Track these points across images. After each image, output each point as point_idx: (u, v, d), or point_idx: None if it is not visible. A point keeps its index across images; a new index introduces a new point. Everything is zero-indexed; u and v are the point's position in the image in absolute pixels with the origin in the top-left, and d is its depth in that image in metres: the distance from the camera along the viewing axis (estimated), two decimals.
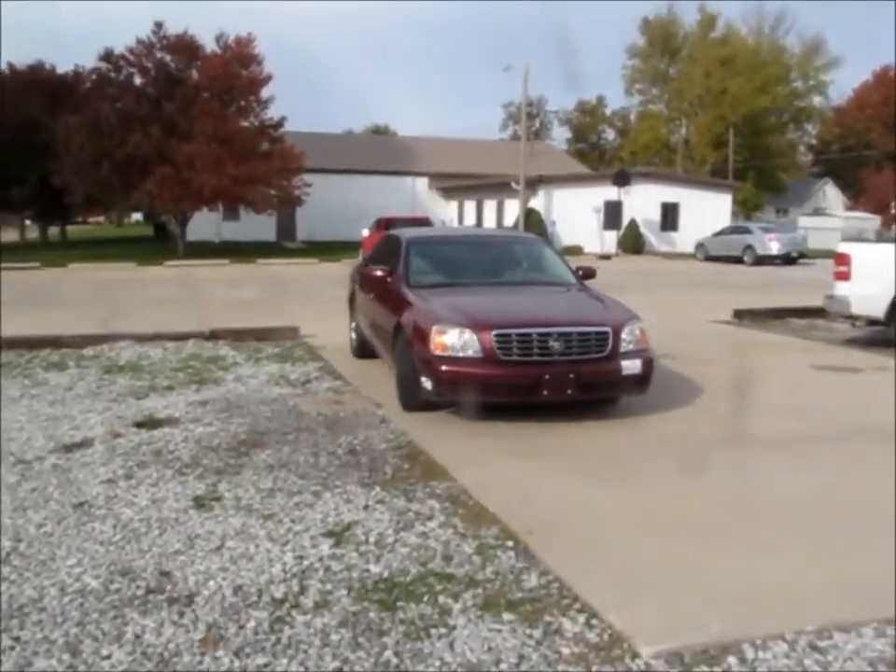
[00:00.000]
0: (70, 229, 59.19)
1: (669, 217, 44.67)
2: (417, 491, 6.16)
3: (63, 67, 52.97)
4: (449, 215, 52.02)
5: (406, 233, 10.91)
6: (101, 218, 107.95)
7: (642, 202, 42.81)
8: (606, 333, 8.18)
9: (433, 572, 4.86)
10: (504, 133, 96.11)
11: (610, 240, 41.63)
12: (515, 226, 39.66)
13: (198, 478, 6.44)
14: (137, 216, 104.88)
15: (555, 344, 8.00)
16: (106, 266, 32.67)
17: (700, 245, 39.29)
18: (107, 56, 37.57)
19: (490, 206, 47.33)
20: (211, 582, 4.74)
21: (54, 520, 5.61)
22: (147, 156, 34.42)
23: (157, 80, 36.76)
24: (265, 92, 38.19)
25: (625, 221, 41.98)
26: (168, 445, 7.31)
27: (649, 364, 8.32)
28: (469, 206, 49.98)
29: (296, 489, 6.18)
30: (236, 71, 37.13)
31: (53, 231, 53.89)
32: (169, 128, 35.24)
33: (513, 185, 41.27)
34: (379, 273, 9.96)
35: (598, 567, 4.93)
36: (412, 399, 8.48)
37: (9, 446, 7.28)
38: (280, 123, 38.64)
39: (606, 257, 38.80)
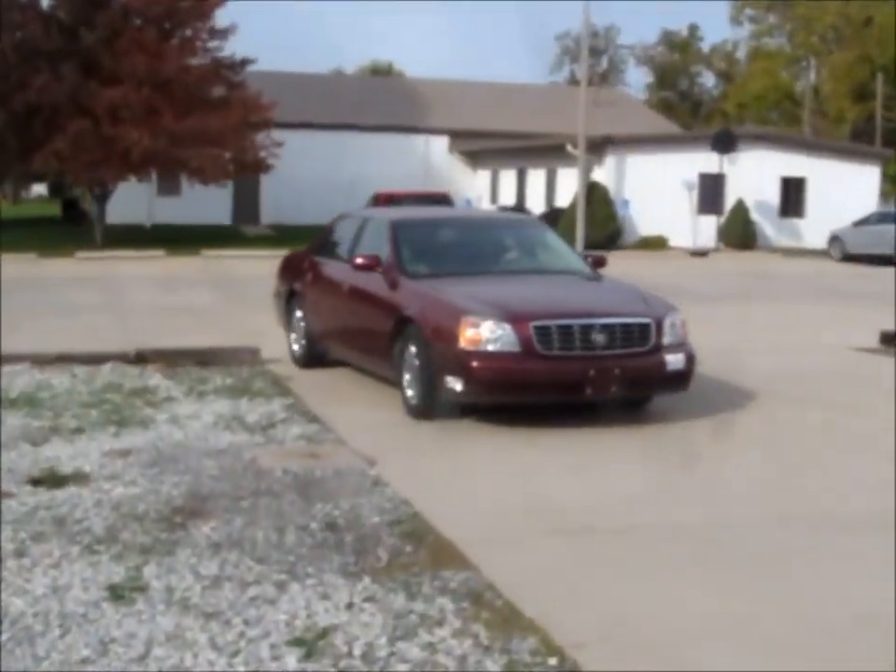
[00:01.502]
0: None
1: (793, 197, 44.71)
2: (423, 584, 6.17)
3: None
4: (477, 189, 52.16)
5: (385, 215, 12.71)
6: None
7: (754, 176, 42.85)
8: (649, 325, 10.14)
9: None
10: (557, 75, 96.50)
11: (708, 229, 41.64)
12: (572, 205, 39.76)
13: (115, 558, 6.47)
14: (40, 188, 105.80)
15: (599, 337, 9.84)
16: None
17: (835, 239, 39.26)
18: None
19: (536, 178, 47.47)
20: None
21: None
22: (57, 105, 34.84)
23: (72, 1, 37.17)
24: (221, 19, 38.69)
25: (729, 203, 41.99)
26: (75, 511, 7.33)
27: (691, 359, 10.38)
28: (507, 177, 50.15)
29: (251, 578, 6.20)
30: None
31: None
32: (87, 67, 35.68)
33: (570, 148, 41.36)
34: (360, 261, 11.42)
35: None
36: (428, 406, 10.14)
37: None
38: (241, 62, 38.95)
39: (701, 253, 38.84)
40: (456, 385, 9.78)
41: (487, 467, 8.95)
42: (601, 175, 42.28)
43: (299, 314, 13.34)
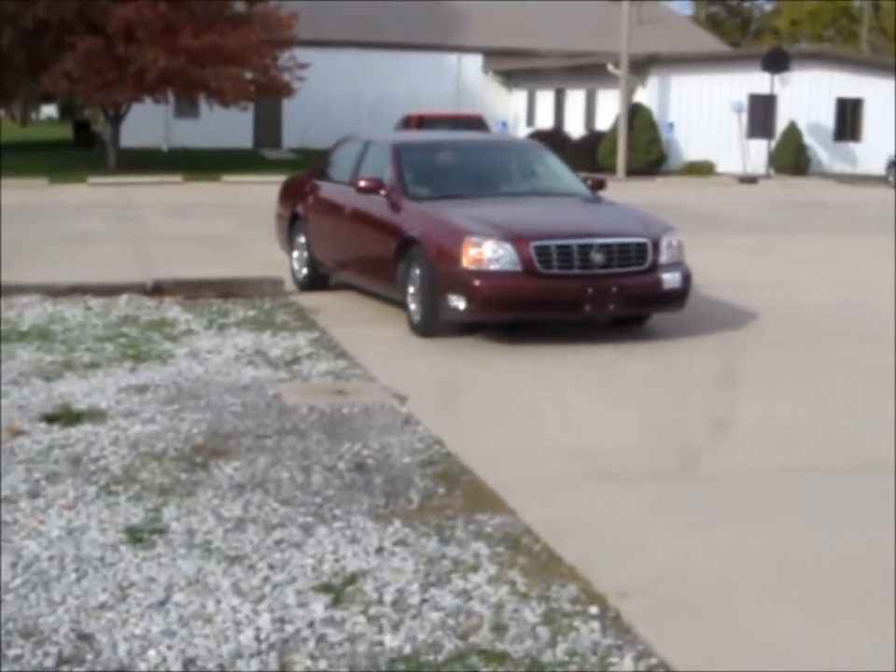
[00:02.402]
0: None
1: (849, 120, 44.25)
2: (457, 528, 6.19)
3: None
4: (513, 110, 51.85)
5: (386, 138, 13.79)
6: None
7: (807, 97, 42.45)
8: (645, 245, 11.08)
9: (477, 649, 4.89)
10: None
11: (758, 154, 41.29)
12: (614, 129, 39.46)
13: (133, 499, 6.52)
14: (50, 109, 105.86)
15: (597, 256, 10.80)
16: (4, 184, 32.93)
17: (894, 164, 38.85)
18: None
19: (576, 99, 47.10)
20: (151, 652, 4.80)
21: None
22: (66, 21, 34.67)
23: None
24: None
25: (781, 126, 41.60)
26: (90, 450, 7.38)
27: (688, 278, 11.35)
28: (545, 99, 49.78)
29: (276, 520, 6.23)
30: None
31: None
32: None
33: (611, 68, 41.03)
34: (363, 184, 12.25)
35: (725, 646, 4.95)
36: (431, 324, 11.15)
37: None
38: None
39: (750, 179, 38.55)
40: (459, 303, 10.72)
41: (516, 397, 8.96)
42: (644, 96, 41.93)
43: (301, 237, 14.10)
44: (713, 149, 41.48)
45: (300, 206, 14.29)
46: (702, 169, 40.44)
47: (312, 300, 13.10)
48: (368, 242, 12.54)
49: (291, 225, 14.43)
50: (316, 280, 13.83)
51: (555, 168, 13.60)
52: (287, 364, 9.91)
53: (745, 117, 42.01)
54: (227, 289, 13.21)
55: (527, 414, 8.72)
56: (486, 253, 10.68)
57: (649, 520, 6.46)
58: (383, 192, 12.12)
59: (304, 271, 14.02)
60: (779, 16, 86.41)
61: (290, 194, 14.99)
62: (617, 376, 10.04)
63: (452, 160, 13.44)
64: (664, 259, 11.17)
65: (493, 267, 10.68)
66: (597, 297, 10.78)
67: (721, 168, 40.88)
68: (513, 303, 10.82)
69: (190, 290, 13.10)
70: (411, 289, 11.40)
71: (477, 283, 10.62)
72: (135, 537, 5.99)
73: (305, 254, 13.98)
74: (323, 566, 5.66)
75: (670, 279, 11.16)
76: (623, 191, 33.26)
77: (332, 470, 7.07)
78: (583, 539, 6.10)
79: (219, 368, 9.72)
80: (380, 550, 5.87)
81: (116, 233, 20.83)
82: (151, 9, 34.58)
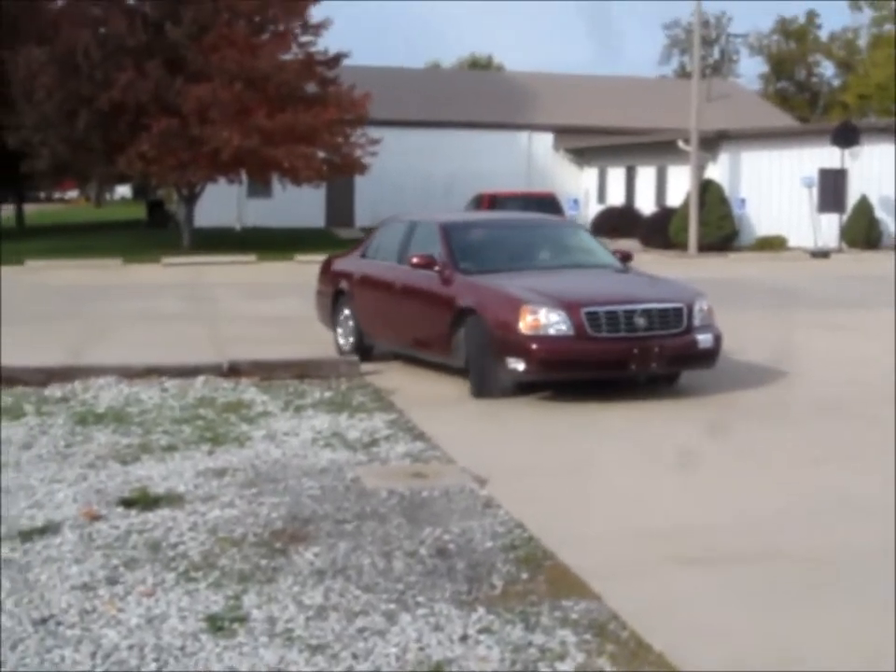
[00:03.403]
0: (29, 209, 60.89)
1: None
2: (542, 615, 6.09)
3: None
4: (584, 187, 52.00)
5: (433, 219, 14.93)
6: (73, 194, 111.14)
7: (877, 170, 42.06)
8: (682, 309, 12.36)
9: None
10: (666, 67, 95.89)
11: (830, 228, 41.01)
12: (685, 205, 39.38)
13: (213, 586, 6.47)
14: (124, 190, 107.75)
15: (640, 320, 12.11)
16: (80, 264, 33.49)
17: None
18: None
19: (646, 175, 47.17)
20: None
21: (6, 643, 5.68)
22: (142, 103, 35.30)
23: None
24: (315, 13, 38.80)
25: (852, 200, 41.33)
26: (169, 535, 7.36)
27: (718, 339, 12.56)
28: (616, 176, 49.91)
29: (359, 608, 6.16)
30: None
31: (6, 211, 55.44)
32: (174, 63, 36.08)
33: (681, 144, 41.02)
34: (416, 261, 13.45)
35: None
36: (490, 386, 12.31)
37: None
38: (337, 58, 39.11)
39: (822, 253, 38.23)
40: (518, 365, 11.95)
41: (594, 476, 8.84)
42: (715, 172, 41.86)
43: (346, 311, 15.22)
44: (785, 224, 41.23)
45: (344, 283, 15.39)
46: (774, 244, 40.21)
47: (387, 380, 13.14)
48: (422, 313, 13.64)
49: (335, 301, 15.50)
50: (362, 350, 14.70)
51: (588, 242, 15.06)
52: (365, 446, 9.87)
53: (816, 191, 41.73)
54: (303, 370, 13.23)
55: (606, 494, 8.63)
56: (542, 319, 11.94)
57: (735, 603, 6.31)
58: (436, 268, 13.29)
59: (350, 342, 15.07)
60: (847, 90, 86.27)
61: (333, 272, 16.08)
62: (691, 452, 9.89)
63: (495, 237, 14.69)
64: (697, 321, 12.42)
65: (548, 332, 11.95)
66: (642, 357, 12.03)
67: (793, 243, 40.60)
68: (567, 364, 12.08)
69: (266, 371, 13.13)
70: (468, 355, 12.53)
71: (534, 346, 11.88)
72: (216, 625, 5.92)
73: (351, 326, 15.07)
74: (407, 654, 5.57)
75: (704, 339, 12.38)
76: (696, 268, 33.24)
77: (414, 556, 6.99)
78: (671, 625, 5.98)
79: (297, 450, 9.69)
80: (464, 637, 5.78)
81: (190, 313, 20.97)
82: (226, 90, 35.14)
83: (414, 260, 13.53)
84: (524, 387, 12.48)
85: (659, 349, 12.06)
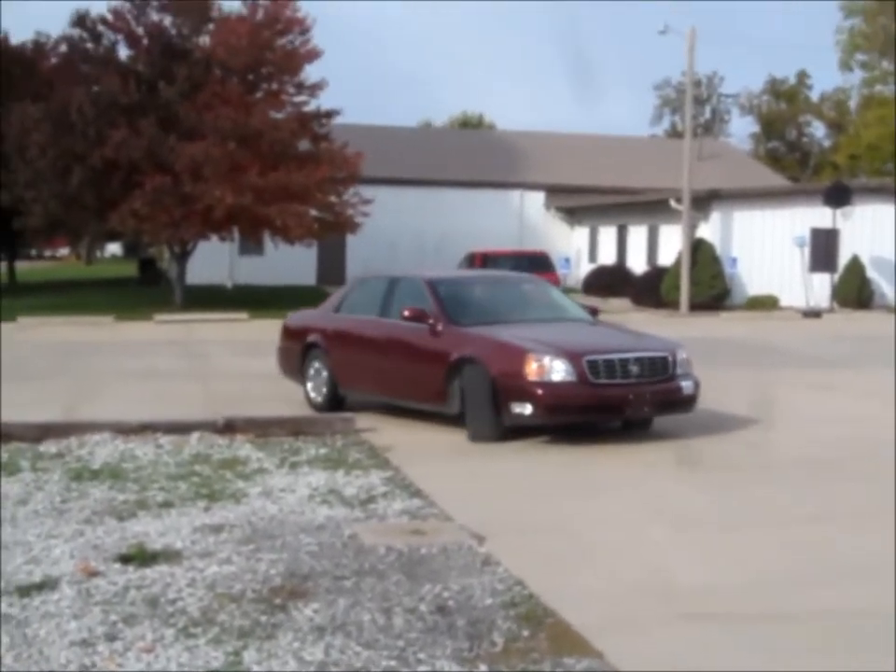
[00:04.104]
0: (20, 265, 60.99)
1: None
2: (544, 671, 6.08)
3: (19, 36, 55.12)
4: (575, 246, 52.21)
5: (415, 275, 15.76)
6: (64, 251, 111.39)
7: (869, 230, 42.35)
8: (667, 358, 13.45)
9: None
10: (657, 127, 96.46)
11: (822, 288, 41.19)
12: (677, 263, 39.54)
13: (213, 642, 6.46)
14: (115, 247, 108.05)
15: (634, 368, 13.12)
16: (72, 321, 33.47)
17: None
18: (81, 20, 39.00)
19: (638, 234, 47.38)
20: None
21: None
22: (135, 161, 35.46)
23: (151, 53, 37.97)
24: (311, 73, 39.02)
25: (843, 260, 41.56)
26: (167, 591, 7.35)
27: (697, 385, 13.62)
28: (607, 234, 50.15)
29: (360, 664, 6.15)
30: (267, 39, 38.07)
31: None
32: (167, 121, 36.29)
33: (673, 203, 41.25)
34: (408, 314, 14.10)
35: None
36: (485, 431, 13.08)
37: None
38: (329, 114, 39.36)
39: (814, 313, 38.39)
40: (525, 409, 12.79)
41: (591, 531, 8.86)
42: (706, 231, 42.00)
43: (317, 364, 15.75)
44: (776, 284, 41.36)
45: (315, 337, 15.92)
46: (766, 303, 40.31)
47: (382, 437, 13.15)
48: (413, 364, 14.27)
49: (304, 355, 15.98)
50: (335, 402, 15.44)
51: (558, 298, 16.20)
52: (362, 503, 9.86)
53: (807, 251, 41.94)
54: (297, 427, 13.24)
55: (605, 551, 8.61)
56: (546, 367, 12.82)
57: (737, 662, 6.30)
58: (430, 320, 13.99)
59: (322, 394, 15.60)
60: (838, 151, 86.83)
61: (300, 328, 16.69)
62: (691, 505, 9.92)
63: (476, 293, 15.60)
64: (680, 370, 13.47)
65: (552, 378, 12.80)
66: (636, 401, 12.99)
67: (784, 302, 40.72)
68: (569, 409, 12.97)
69: (261, 428, 13.13)
70: (466, 402, 13.28)
71: (540, 392, 12.73)
72: None
73: (324, 378, 15.57)
74: None
75: (687, 386, 13.45)
76: (687, 326, 33.36)
77: (414, 612, 6.98)
78: None
79: (293, 507, 9.69)
80: None
81: (184, 371, 21.00)
82: (219, 148, 35.30)
83: (406, 313, 14.17)
84: (515, 432, 13.21)
85: (650, 395, 13.04)
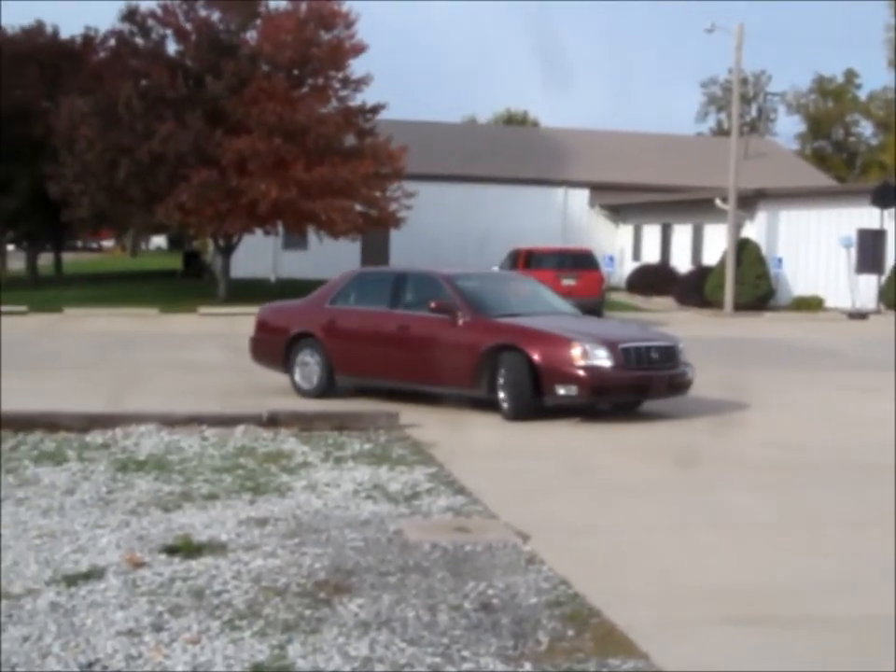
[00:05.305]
0: (66, 257, 61.38)
1: None
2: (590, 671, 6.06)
3: (69, 30, 55.51)
4: (619, 244, 52.05)
5: (427, 270, 17.42)
6: (109, 243, 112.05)
7: None
8: (675, 347, 15.33)
9: None
10: (702, 125, 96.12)
11: (868, 289, 40.86)
12: (721, 263, 39.35)
13: (258, 635, 6.47)
14: (159, 240, 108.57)
15: (655, 355, 14.92)
16: (117, 312, 33.71)
17: None
18: (130, 14, 39.28)
19: (682, 233, 47.24)
20: None
21: None
22: (181, 155, 35.61)
23: (199, 48, 38.15)
24: (357, 68, 39.10)
25: (890, 261, 41.22)
26: (213, 583, 7.38)
27: (693, 371, 15.29)
28: (651, 233, 50.03)
29: (404, 660, 6.14)
30: (313, 35, 38.17)
31: (44, 259, 55.89)
32: (214, 115, 36.45)
33: (718, 202, 41.06)
34: (435, 305, 15.37)
35: None
36: (523, 411, 14.51)
37: None
38: (374, 109, 39.39)
39: (860, 315, 38.11)
40: (570, 391, 14.38)
41: (638, 532, 8.83)
42: (752, 231, 41.83)
43: (307, 354, 16.58)
44: (822, 284, 41.14)
45: (306, 328, 16.77)
46: (811, 304, 40.10)
47: (426, 433, 13.13)
48: (437, 351, 15.42)
49: (290, 345, 16.76)
50: (329, 389, 16.34)
51: (546, 292, 17.80)
52: (407, 499, 9.86)
53: (854, 252, 41.66)
54: (341, 422, 13.26)
55: (651, 551, 8.58)
56: (589, 353, 14.45)
57: (782, 665, 6.26)
58: (459, 312, 15.26)
59: (313, 382, 16.47)
60: (886, 151, 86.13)
61: (284, 320, 17.61)
62: (738, 507, 9.87)
63: (485, 287, 16.82)
64: (681, 357, 15.26)
65: (593, 363, 14.41)
66: (656, 383, 14.90)
67: (830, 303, 40.49)
68: (607, 390, 14.72)
69: (305, 422, 13.16)
70: (506, 385, 14.56)
71: (584, 375, 14.33)
72: None
73: (317, 367, 16.43)
74: None
75: (688, 372, 15.21)
76: (731, 327, 33.27)
77: (458, 610, 6.97)
78: None
79: (338, 502, 9.70)
80: None
81: (227, 363, 21.04)
82: (264, 142, 35.46)
83: (433, 305, 15.46)
84: (549, 411, 14.72)
85: (667, 378, 14.91)
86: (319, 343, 16.51)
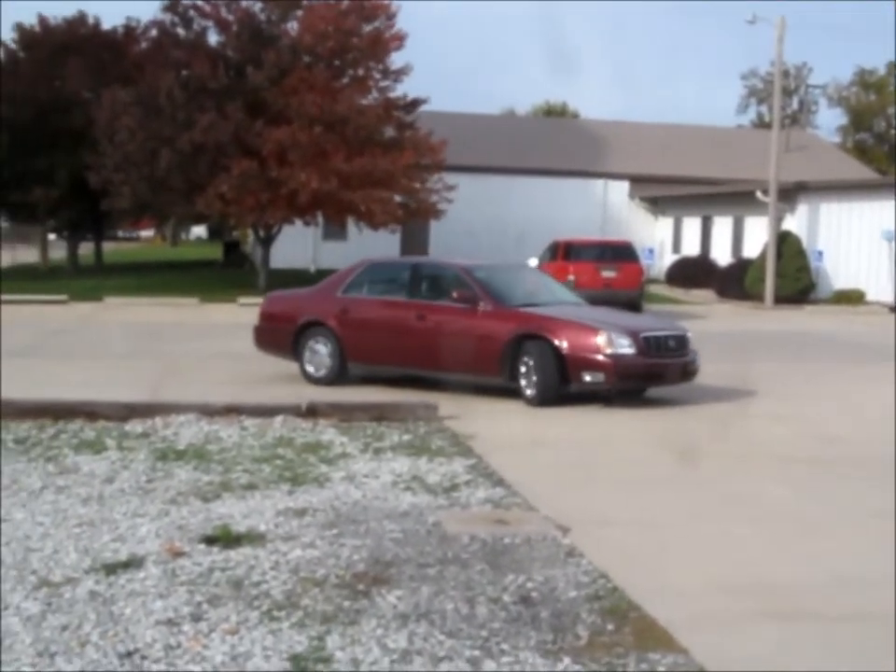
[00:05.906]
0: (106, 246, 61.69)
1: None
2: (629, 667, 6.02)
3: (111, 21, 55.69)
4: (659, 237, 51.86)
5: (445, 261, 18.25)
6: (149, 233, 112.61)
7: None
8: (685, 336, 16.01)
9: None
10: (743, 117, 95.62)
11: None
12: (762, 256, 39.12)
13: (296, 626, 6.46)
14: (199, 230, 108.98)
15: (671, 343, 15.58)
16: (157, 302, 33.86)
17: None
18: (173, 5, 39.37)
19: (723, 226, 47.02)
20: None
21: None
22: (222, 145, 35.68)
23: (240, 38, 38.21)
24: (397, 59, 39.06)
25: None
26: (251, 574, 7.39)
27: (699, 359, 15.99)
28: (691, 225, 49.82)
29: (443, 653, 6.12)
30: (354, 26, 38.17)
31: (85, 249, 56.19)
32: (254, 106, 36.51)
33: (759, 195, 40.83)
34: (458, 295, 15.87)
35: None
36: (551, 396, 14.95)
37: (30, 561, 7.51)
38: (415, 102, 39.36)
39: None
40: (597, 377, 14.95)
41: (676, 524, 8.77)
42: (793, 223, 41.58)
43: (318, 342, 16.89)
44: (863, 278, 40.78)
45: (313, 317, 17.04)
46: (852, 298, 39.79)
47: (465, 425, 13.10)
48: (460, 339, 15.83)
49: (299, 334, 17.02)
50: (340, 377, 16.70)
51: (554, 283, 18.93)
52: (446, 491, 9.84)
53: (895, 245, 41.33)
54: (380, 413, 13.25)
55: (690, 545, 8.55)
56: (615, 342, 15.04)
57: (824, 660, 6.20)
58: (481, 302, 15.72)
59: (323, 369, 16.77)
60: None
61: (293, 309, 17.74)
62: (777, 500, 9.80)
63: (501, 278, 17.22)
64: (690, 346, 15.95)
65: (619, 351, 15.01)
66: (674, 370, 15.61)
67: (871, 297, 40.13)
68: (631, 376, 15.33)
69: (344, 413, 13.16)
70: (534, 371, 14.98)
71: (611, 362, 14.92)
72: (300, 665, 5.92)
73: (328, 355, 16.75)
74: None
75: (696, 360, 15.93)
76: (772, 320, 33.07)
77: (497, 602, 6.94)
78: None
79: (377, 493, 9.69)
80: None
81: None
82: (305, 133, 35.47)
83: (456, 295, 15.98)
84: (572, 397, 15.17)
85: (680, 365, 15.62)
86: (330, 330, 16.82)
